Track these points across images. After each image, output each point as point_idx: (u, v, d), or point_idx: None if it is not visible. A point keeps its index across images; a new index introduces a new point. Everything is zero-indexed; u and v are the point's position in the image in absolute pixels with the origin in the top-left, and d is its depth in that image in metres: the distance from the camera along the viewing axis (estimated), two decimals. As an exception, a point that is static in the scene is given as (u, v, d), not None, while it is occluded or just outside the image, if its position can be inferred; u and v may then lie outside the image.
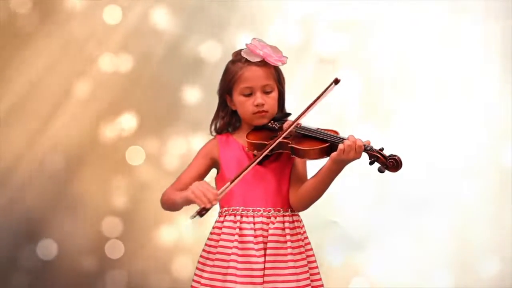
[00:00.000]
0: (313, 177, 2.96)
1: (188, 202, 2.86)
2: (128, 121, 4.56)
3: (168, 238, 4.56)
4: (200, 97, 4.53)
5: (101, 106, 4.54)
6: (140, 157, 4.57)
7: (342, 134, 2.91)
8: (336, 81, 2.87)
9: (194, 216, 2.79)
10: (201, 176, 3.02)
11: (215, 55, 4.49)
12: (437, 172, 4.44)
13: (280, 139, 2.89)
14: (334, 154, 2.84)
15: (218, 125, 3.11)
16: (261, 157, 2.88)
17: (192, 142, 4.48)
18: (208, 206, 2.78)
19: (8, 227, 4.45)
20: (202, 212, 2.79)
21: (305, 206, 3.00)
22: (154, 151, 4.57)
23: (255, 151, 2.96)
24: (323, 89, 2.86)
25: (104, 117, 4.55)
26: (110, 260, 4.51)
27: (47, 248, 4.47)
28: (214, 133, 3.12)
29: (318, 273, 3.02)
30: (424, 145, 4.45)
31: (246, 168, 2.87)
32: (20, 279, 4.46)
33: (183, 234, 4.52)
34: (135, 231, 4.54)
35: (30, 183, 4.48)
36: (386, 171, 2.81)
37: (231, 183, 2.84)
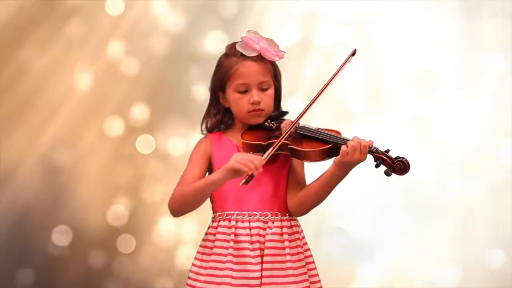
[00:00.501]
0: (315, 181, 2.80)
1: (231, 173, 2.67)
2: (136, 114, 4.50)
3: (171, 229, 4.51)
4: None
5: (107, 99, 4.47)
6: (150, 146, 4.52)
7: (344, 132, 2.79)
8: (354, 53, 2.79)
9: (243, 184, 2.66)
10: (204, 176, 2.84)
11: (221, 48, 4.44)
12: (439, 170, 4.42)
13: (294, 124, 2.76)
14: (337, 157, 2.69)
15: (209, 123, 2.93)
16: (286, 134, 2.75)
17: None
18: (255, 172, 2.64)
19: (20, 217, 4.43)
20: (248, 179, 2.65)
21: (305, 211, 2.83)
22: (162, 144, 4.52)
23: (251, 152, 2.80)
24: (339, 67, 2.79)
25: (111, 110, 4.48)
26: (120, 253, 4.48)
27: (62, 235, 4.46)
28: (205, 132, 2.94)
29: (319, 281, 2.86)
30: (426, 144, 4.42)
31: (282, 137, 2.73)
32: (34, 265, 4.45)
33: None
34: (143, 223, 4.50)
35: (38, 175, 4.44)
36: (393, 174, 2.67)
37: (273, 149, 2.70)
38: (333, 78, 2.78)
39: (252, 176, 2.65)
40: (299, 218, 2.89)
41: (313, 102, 2.78)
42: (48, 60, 4.41)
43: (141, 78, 4.47)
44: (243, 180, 2.65)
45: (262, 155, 2.69)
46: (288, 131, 2.75)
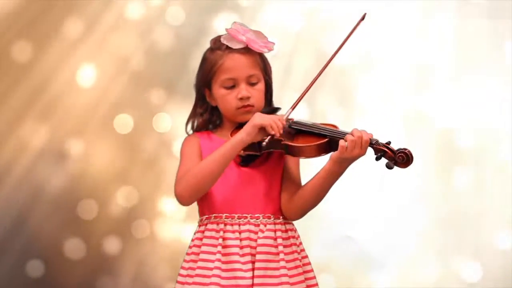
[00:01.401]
0: (310, 181, 2.58)
1: (256, 131, 2.52)
2: (145, 103, 4.47)
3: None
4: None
5: (114, 93, 4.44)
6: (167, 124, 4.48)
7: (344, 124, 2.61)
8: (363, 17, 2.67)
9: (265, 144, 2.56)
10: None
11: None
12: (439, 168, 4.37)
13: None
14: (335, 153, 2.50)
15: (196, 123, 2.71)
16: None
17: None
18: (277, 134, 2.52)
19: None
20: (270, 141, 2.55)
21: (300, 214, 2.61)
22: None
23: (242, 151, 2.58)
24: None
25: (117, 102, 4.43)
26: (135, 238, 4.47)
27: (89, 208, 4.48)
28: (191, 133, 2.72)
29: (318, 291, 2.64)
30: (425, 141, 4.34)
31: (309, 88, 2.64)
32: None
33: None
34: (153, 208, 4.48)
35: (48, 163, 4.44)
36: (395, 167, 2.48)
37: (292, 109, 2.60)
38: (342, 45, 2.67)
39: (273, 137, 2.53)
40: (299, 224, 2.68)
41: (318, 76, 2.65)
42: (52, 57, 4.37)
43: (147, 70, 4.43)
44: (266, 140, 2.53)
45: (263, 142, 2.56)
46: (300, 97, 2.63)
